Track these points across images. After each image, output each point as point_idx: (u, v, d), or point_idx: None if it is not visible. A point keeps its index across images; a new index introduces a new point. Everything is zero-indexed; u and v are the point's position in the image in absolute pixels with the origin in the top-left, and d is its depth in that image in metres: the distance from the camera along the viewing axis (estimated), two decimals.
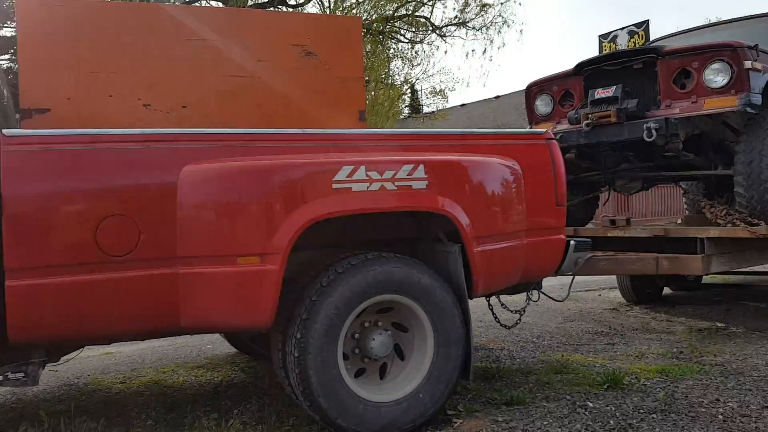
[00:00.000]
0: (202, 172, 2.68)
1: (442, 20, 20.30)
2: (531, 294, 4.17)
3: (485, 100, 30.66)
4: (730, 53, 4.62)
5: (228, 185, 2.66)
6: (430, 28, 20.13)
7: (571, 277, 4.74)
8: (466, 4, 19.60)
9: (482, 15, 19.95)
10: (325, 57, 3.57)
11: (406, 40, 19.85)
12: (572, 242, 3.58)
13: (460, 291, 3.06)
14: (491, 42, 23.16)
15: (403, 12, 19.38)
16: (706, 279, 7.83)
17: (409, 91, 29.86)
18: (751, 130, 4.69)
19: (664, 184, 8.36)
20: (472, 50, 38.42)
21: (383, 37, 19.37)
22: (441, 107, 32.20)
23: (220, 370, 4.37)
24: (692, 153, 5.26)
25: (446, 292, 2.98)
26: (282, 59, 3.52)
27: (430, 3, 19.58)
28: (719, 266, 4.81)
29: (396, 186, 2.85)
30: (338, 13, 19.77)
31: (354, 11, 20.44)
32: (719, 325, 5.66)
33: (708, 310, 6.36)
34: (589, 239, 3.80)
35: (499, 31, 20.30)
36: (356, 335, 2.98)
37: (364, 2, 20.37)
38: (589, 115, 5.08)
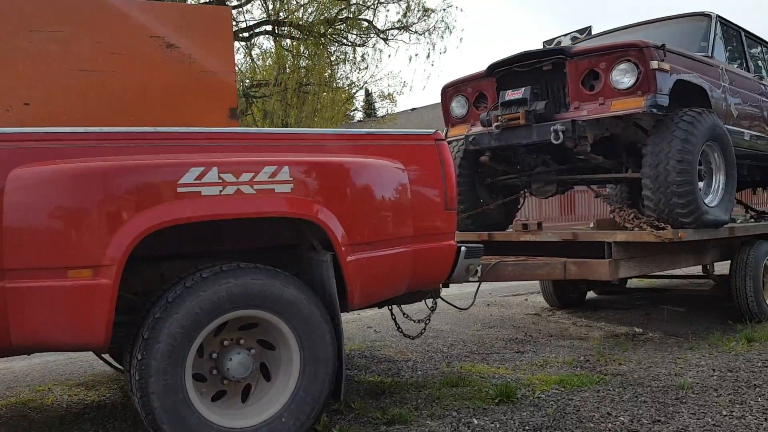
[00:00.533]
0: (30, 175, 2.39)
1: (385, 24, 20.15)
2: (433, 303, 3.99)
3: (436, 104, 30.66)
4: (636, 53, 4.52)
5: (57, 189, 2.37)
6: (374, 32, 19.97)
7: (477, 283, 4.58)
8: (408, 8, 19.52)
9: (425, 20, 19.92)
10: (189, 50, 3.30)
11: (349, 43, 19.63)
12: (463, 249, 3.39)
13: (332, 304, 2.82)
14: (434, 47, 23.20)
15: (346, 15, 19.16)
16: (631, 282, 7.81)
17: (363, 94, 29.71)
18: (659, 132, 4.60)
19: (581, 186, 8.29)
20: (416, 54, 38.61)
21: (325, 40, 19.12)
22: (390, 111, 32.15)
23: (99, 389, 4.04)
24: (604, 155, 5.16)
25: (314, 306, 2.74)
26: (140, 52, 3.23)
27: (373, 6, 19.43)
28: (628, 271, 4.70)
29: (255, 190, 2.60)
30: (281, 15, 19.44)
31: (297, 13, 20.16)
32: (637, 330, 5.59)
33: (628, 315, 6.30)
34: (481, 245, 3.61)
35: (442, 36, 20.30)
36: (214, 355, 2.71)
37: (307, 4, 20.13)
38: (499, 117, 4.93)
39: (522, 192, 5.82)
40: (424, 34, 20.16)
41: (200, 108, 3.32)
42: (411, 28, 20.01)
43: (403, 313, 4.14)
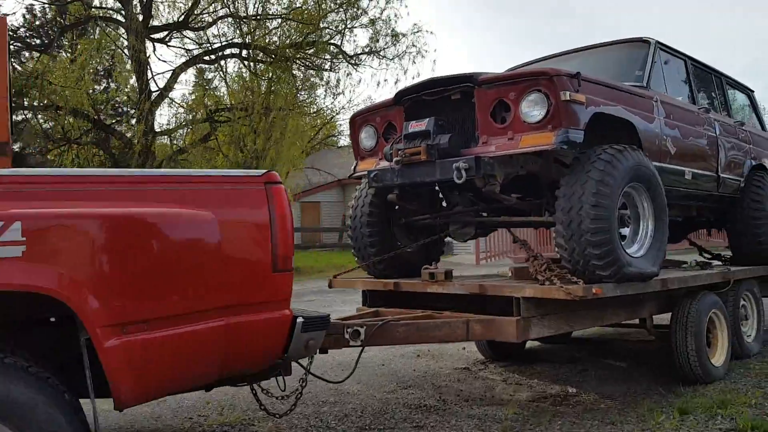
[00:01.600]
0: None
1: (354, 49, 19.70)
2: (302, 378, 3.35)
3: None
4: (546, 83, 3.94)
5: None
6: (342, 57, 19.52)
7: (360, 348, 3.94)
8: (377, 33, 19.10)
9: (394, 45, 19.50)
10: None
11: (316, 68, 19.13)
12: (300, 320, 2.75)
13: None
14: (405, 72, 22.80)
15: (314, 39, 18.68)
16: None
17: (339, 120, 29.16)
18: (573, 173, 4.01)
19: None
20: (384, 80, 38.30)
21: (290, 64, 18.61)
22: None
23: None
24: (526, 195, 4.57)
25: (57, 408, 2.08)
26: None
27: (341, 31, 19.01)
28: (542, 330, 4.07)
29: None
30: (248, 39, 18.89)
31: (266, 37, 19.68)
32: (570, 390, 4.96)
33: (565, 370, 5.66)
34: (327, 315, 2.98)
35: (414, 61, 19.85)
36: None
37: (277, 27, 19.67)
38: (400, 152, 4.33)
39: (441, 234, 5.19)
40: (394, 59, 19.73)
41: None
42: (381, 53, 19.59)
43: (263, 390, 3.48)
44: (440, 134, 4.23)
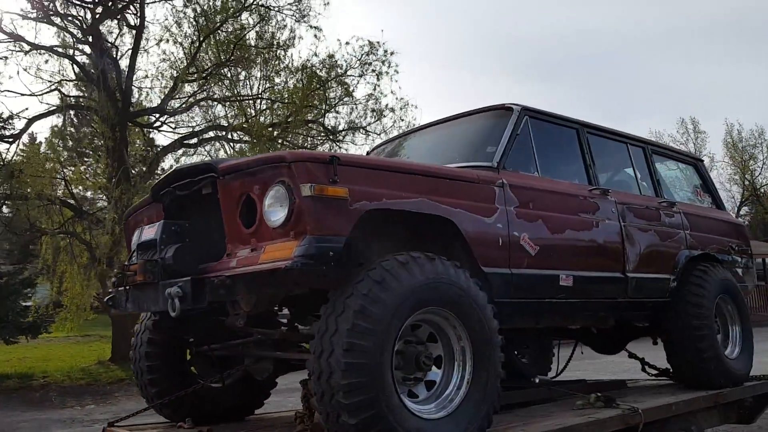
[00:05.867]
0: None
1: (336, 124, 18.95)
2: None
3: None
4: (287, 171, 2.79)
5: None
6: (325, 134, 18.83)
7: None
8: (365, 109, 18.41)
9: (379, 122, 18.74)
10: None
11: (294, 147, 18.40)
12: None
13: None
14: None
15: (296, 118, 18.06)
16: None
17: None
18: (333, 298, 2.79)
19: None
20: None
21: (273, 143, 17.95)
22: None
23: None
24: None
25: None
26: None
27: (323, 109, 18.41)
28: None
29: None
30: (234, 122, 18.42)
31: (257, 118, 19.23)
32: None
33: None
34: None
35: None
36: None
37: (265, 110, 19.27)
38: (117, 271, 3.20)
39: (241, 368, 3.95)
40: (381, 134, 18.90)
41: None
42: (366, 129, 18.82)
43: None
44: (170, 245, 3.08)
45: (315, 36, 19.46)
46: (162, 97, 18.30)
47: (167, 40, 17.42)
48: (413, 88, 61.59)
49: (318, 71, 18.38)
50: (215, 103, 19.65)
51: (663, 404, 4.01)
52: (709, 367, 4.51)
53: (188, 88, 19.24)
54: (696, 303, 4.55)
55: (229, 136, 18.82)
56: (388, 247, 3.08)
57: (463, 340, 2.99)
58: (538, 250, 3.63)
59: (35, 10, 15.55)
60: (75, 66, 17.03)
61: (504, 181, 3.60)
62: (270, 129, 18.11)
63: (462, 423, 2.85)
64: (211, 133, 19.29)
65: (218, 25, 17.48)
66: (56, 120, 16.65)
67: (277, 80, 19.60)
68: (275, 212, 2.80)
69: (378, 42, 18.22)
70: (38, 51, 16.32)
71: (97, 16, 15.58)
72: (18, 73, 30.40)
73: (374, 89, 18.56)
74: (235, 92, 19.92)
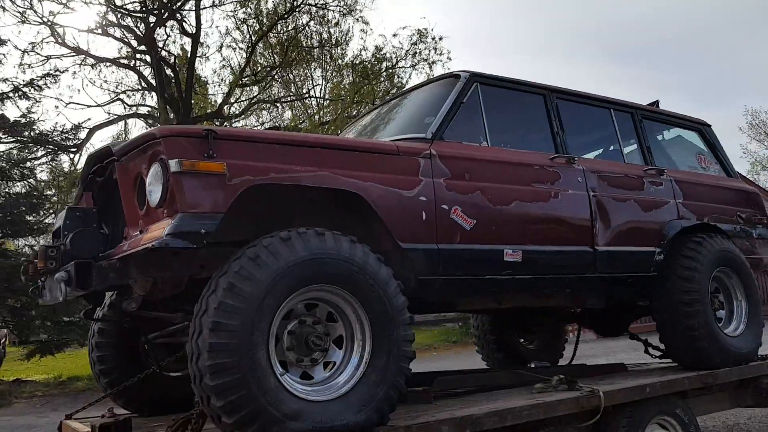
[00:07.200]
0: None
1: None
2: None
3: None
4: (162, 149, 2.71)
5: None
6: None
7: None
8: None
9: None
10: None
11: None
12: None
13: None
14: None
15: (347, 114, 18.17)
16: None
17: None
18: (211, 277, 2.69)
19: None
20: None
21: None
22: None
23: None
24: None
25: None
26: None
27: (370, 103, 18.45)
28: None
29: None
30: (295, 123, 18.73)
31: (312, 117, 19.51)
32: None
33: None
34: None
35: None
36: None
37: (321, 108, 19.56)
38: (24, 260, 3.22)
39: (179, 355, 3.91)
40: None
41: None
42: None
43: None
44: (73, 231, 3.07)
45: (362, 30, 19.47)
46: (218, 101, 18.79)
47: (227, 46, 17.82)
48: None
49: (368, 66, 18.36)
50: (272, 105, 19.98)
51: (632, 386, 3.66)
52: (702, 345, 4.10)
53: (248, 92, 19.71)
54: (686, 277, 4.15)
55: None
56: (296, 224, 2.94)
57: (362, 319, 2.81)
58: (475, 224, 3.39)
59: (93, 24, 16.30)
60: (137, 76, 17.75)
61: (433, 152, 3.38)
62: (323, 127, 18.26)
63: (353, 406, 2.67)
64: None
65: (270, 27, 17.74)
66: (117, 129, 17.46)
67: (331, 78, 19.74)
68: (154, 191, 2.73)
69: (425, 29, 18.00)
70: (104, 63, 17.11)
71: (151, 24, 16.16)
72: (86, 86, 32.14)
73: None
74: (297, 92, 20.23)
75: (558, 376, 3.69)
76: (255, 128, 18.14)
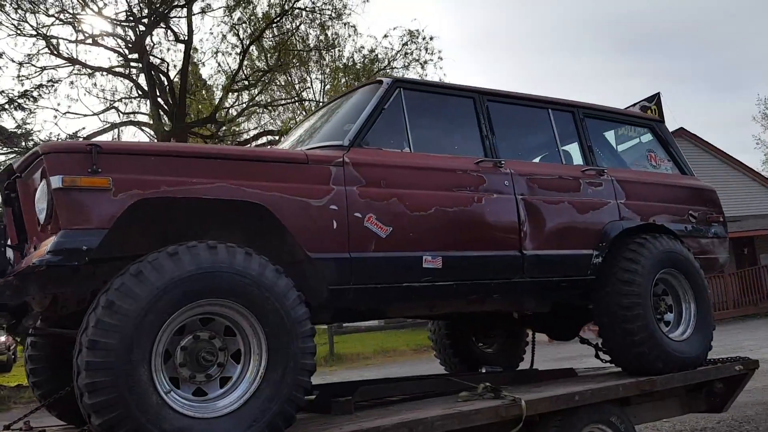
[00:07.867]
0: None
1: None
2: None
3: None
4: (45, 166, 2.70)
5: None
6: None
7: None
8: None
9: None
10: None
11: None
12: None
13: None
14: None
15: None
16: None
17: None
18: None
19: None
20: None
21: None
22: None
23: None
24: None
25: None
26: None
27: None
28: None
29: None
30: (287, 127, 18.75)
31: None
32: None
33: None
34: None
35: None
36: None
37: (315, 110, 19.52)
38: None
39: None
40: None
41: None
42: None
43: None
44: None
45: (349, 35, 19.42)
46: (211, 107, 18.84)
47: (222, 53, 17.85)
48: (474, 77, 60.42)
49: (361, 68, 18.34)
50: (266, 108, 19.99)
51: (559, 394, 3.59)
52: (643, 351, 4.01)
53: (247, 95, 19.70)
54: (626, 280, 4.07)
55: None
56: (210, 237, 2.91)
57: (258, 332, 2.78)
58: (391, 231, 3.35)
59: (80, 33, 16.40)
60: (132, 84, 17.84)
61: (346, 160, 3.34)
62: None
63: (244, 421, 2.64)
64: (264, 139, 19.67)
65: (261, 31, 17.75)
66: (112, 137, 17.55)
67: (327, 80, 19.74)
68: (41, 209, 2.71)
69: (417, 30, 17.97)
70: (100, 72, 17.22)
71: (140, 33, 16.23)
72: (83, 95, 32.40)
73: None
74: (296, 94, 20.20)
75: (484, 384, 3.63)
76: (149, 142, 18.18)
